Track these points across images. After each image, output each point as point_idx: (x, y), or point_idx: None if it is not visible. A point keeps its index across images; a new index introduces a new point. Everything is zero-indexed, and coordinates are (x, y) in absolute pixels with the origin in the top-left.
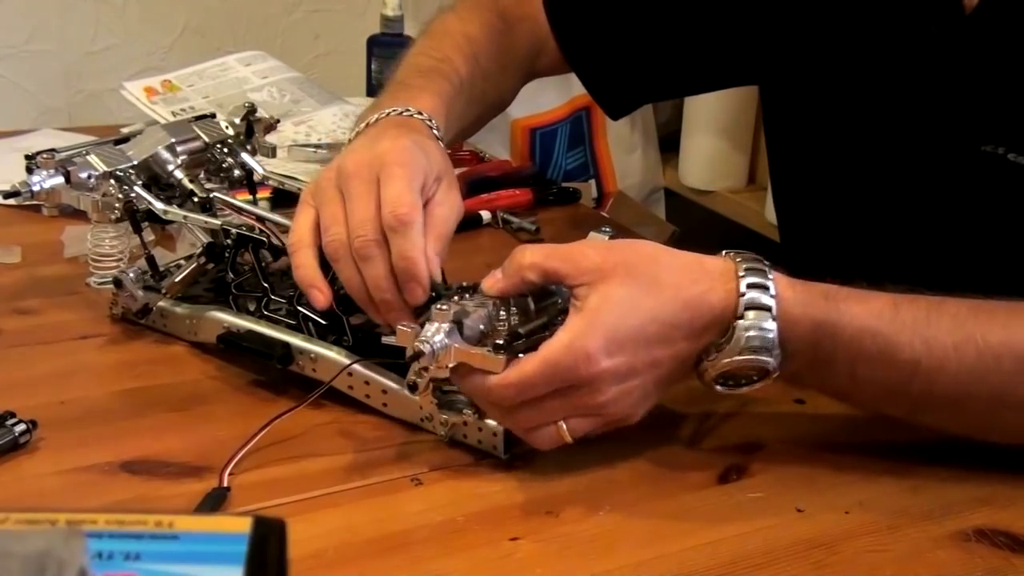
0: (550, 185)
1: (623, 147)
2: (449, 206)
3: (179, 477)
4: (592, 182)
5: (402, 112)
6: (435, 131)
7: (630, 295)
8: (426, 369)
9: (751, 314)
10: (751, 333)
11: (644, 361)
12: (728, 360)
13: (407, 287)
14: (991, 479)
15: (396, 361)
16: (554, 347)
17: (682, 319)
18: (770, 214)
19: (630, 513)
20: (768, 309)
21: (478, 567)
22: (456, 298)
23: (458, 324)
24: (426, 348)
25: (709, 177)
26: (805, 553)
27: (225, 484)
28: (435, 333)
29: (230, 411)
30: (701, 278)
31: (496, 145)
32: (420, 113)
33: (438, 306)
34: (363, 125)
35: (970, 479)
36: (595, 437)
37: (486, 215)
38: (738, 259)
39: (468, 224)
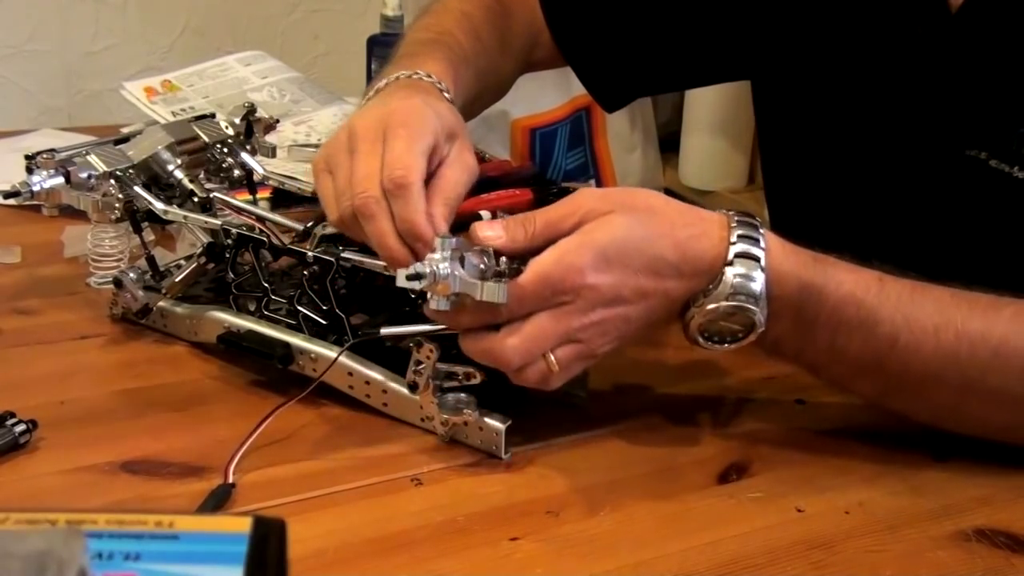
0: (550, 185)
1: (623, 147)
2: (460, 167)
3: (179, 477)
4: (592, 182)
5: (411, 75)
6: (445, 93)
7: (624, 224)
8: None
9: (740, 262)
10: (738, 280)
11: (632, 288)
12: (714, 306)
13: (414, 248)
14: (991, 479)
15: (395, 345)
16: (544, 260)
17: (673, 256)
18: None
19: (630, 513)
20: (757, 260)
21: (478, 567)
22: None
23: (460, 258)
24: (427, 270)
25: (709, 177)
26: (805, 553)
27: (231, 480)
28: (439, 260)
29: (230, 411)
30: (695, 222)
31: (496, 145)
32: (429, 76)
33: (441, 235)
34: (372, 92)
35: (970, 479)
36: (596, 438)
37: (486, 215)
38: (731, 212)
39: (468, 224)
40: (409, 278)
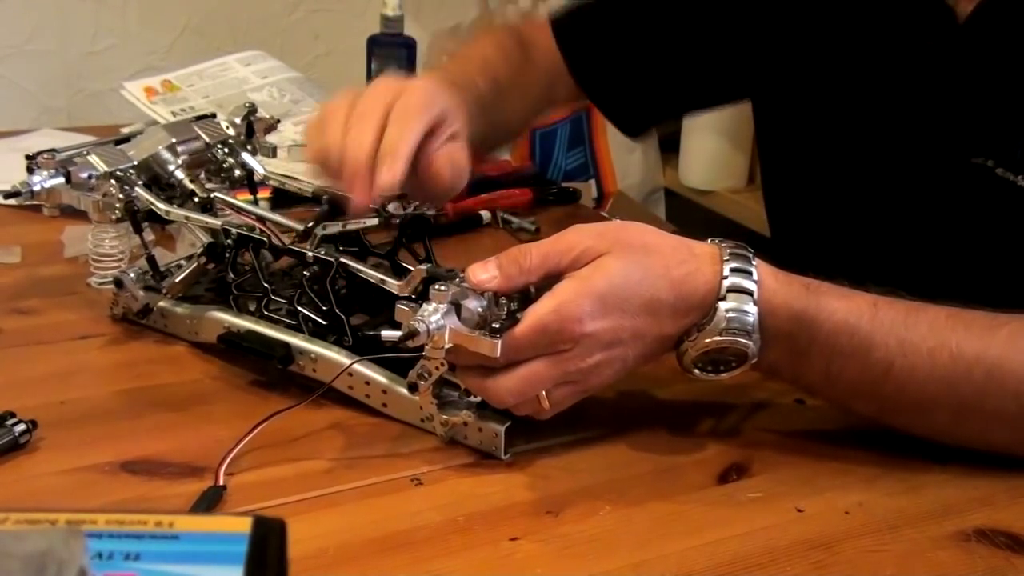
0: (550, 185)
1: (623, 147)
2: (449, 162)
3: (179, 477)
4: (592, 182)
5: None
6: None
7: (620, 266)
8: (423, 349)
9: (732, 296)
10: (731, 315)
11: (629, 330)
12: (708, 340)
13: (382, 161)
14: (991, 479)
15: (399, 356)
16: (541, 310)
17: (668, 296)
18: None
19: (630, 513)
20: (749, 293)
21: (478, 567)
22: (457, 281)
23: (456, 306)
24: (421, 327)
25: (709, 177)
26: (805, 553)
27: (221, 483)
28: (432, 313)
29: (230, 411)
30: (688, 259)
31: None
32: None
33: (436, 287)
34: None
35: (970, 479)
36: (596, 438)
37: (486, 215)
38: (723, 245)
39: (468, 224)
40: (403, 337)
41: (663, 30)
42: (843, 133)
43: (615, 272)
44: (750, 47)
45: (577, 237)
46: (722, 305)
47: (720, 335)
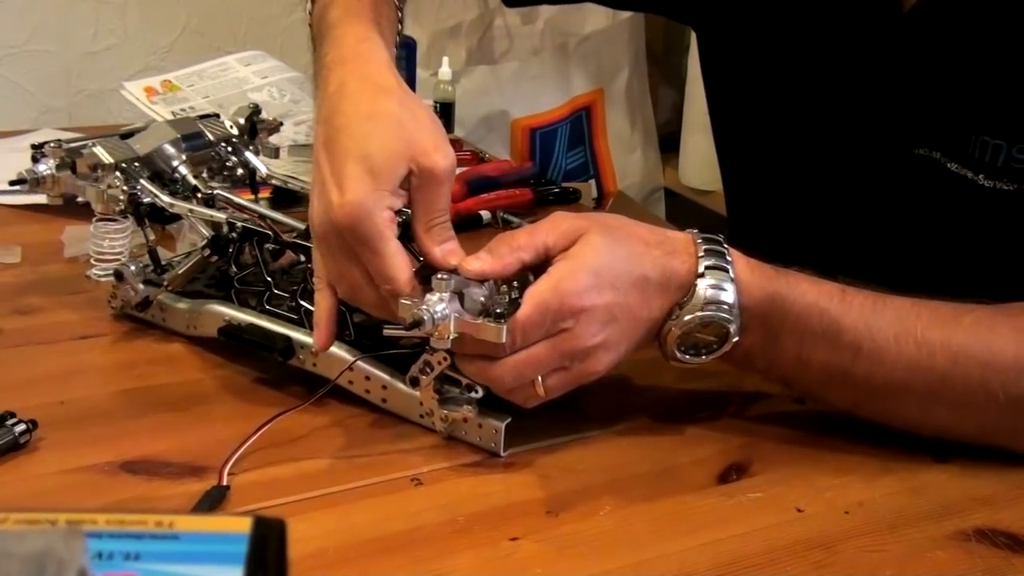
0: (550, 185)
1: (623, 147)
2: (431, 181)
3: (179, 477)
4: (592, 182)
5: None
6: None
7: (606, 242)
8: (427, 339)
9: (710, 274)
10: (710, 291)
11: (623, 307)
12: (690, 316)
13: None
14: (991, 479)
15: (399, 352)
16: (540, 289)
17: (653, 273)
18: None
19: (630, 513)
20: (726, 270)
21: (478, 567)
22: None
23: (459, 295)
24: (426, 316)
25: (709, 177)
26: (805, 553)
27: (224, 482)
28: (436, 302)
29: (230, 411)
30: (665, 241)
31: (496, 145)
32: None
33: (439, 276)
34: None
35: (970, 479)
36: (596, 438)
37: (486, 215)
38: (694, 231)
39: (468, 224)
40: (408, 327)
41: None
42: (790, 121)
43: (602, 247)
44: None
45: (559, 219)
46: (701, 283)
47: (702, 310)
